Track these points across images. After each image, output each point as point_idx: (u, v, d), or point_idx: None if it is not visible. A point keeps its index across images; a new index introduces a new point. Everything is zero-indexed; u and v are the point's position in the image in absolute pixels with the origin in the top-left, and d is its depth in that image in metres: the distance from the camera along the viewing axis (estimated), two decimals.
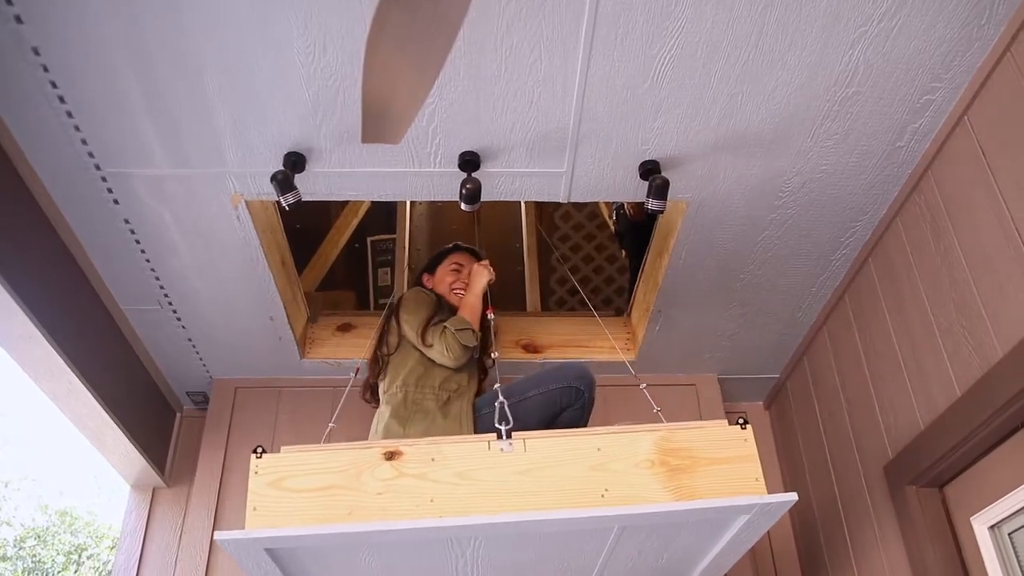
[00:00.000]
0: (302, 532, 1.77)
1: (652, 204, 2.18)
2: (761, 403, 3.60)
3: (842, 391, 2.88)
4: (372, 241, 4.46)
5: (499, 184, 2.32)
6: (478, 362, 2.69)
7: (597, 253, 4.59)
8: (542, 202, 4.25)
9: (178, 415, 3.41)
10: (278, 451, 3.06)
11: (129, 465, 3.09)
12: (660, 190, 2.17)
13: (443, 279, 2.86)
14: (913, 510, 2.43)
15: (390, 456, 1.87)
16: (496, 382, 2.22)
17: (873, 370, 2.66)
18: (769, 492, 3.28)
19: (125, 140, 2.14)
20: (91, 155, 2.19)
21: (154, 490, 3.27)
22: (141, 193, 2.33)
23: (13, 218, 2.23)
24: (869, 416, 2.68)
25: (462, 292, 2.77)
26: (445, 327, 2.48)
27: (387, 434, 2.34)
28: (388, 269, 4.35)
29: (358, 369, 2.66)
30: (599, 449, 1.89)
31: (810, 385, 3.14)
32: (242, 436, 3.19)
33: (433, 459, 1.87)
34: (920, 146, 2.27)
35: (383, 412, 2.48)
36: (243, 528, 1.77)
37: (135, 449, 2.96)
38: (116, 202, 2.36)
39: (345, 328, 3.26)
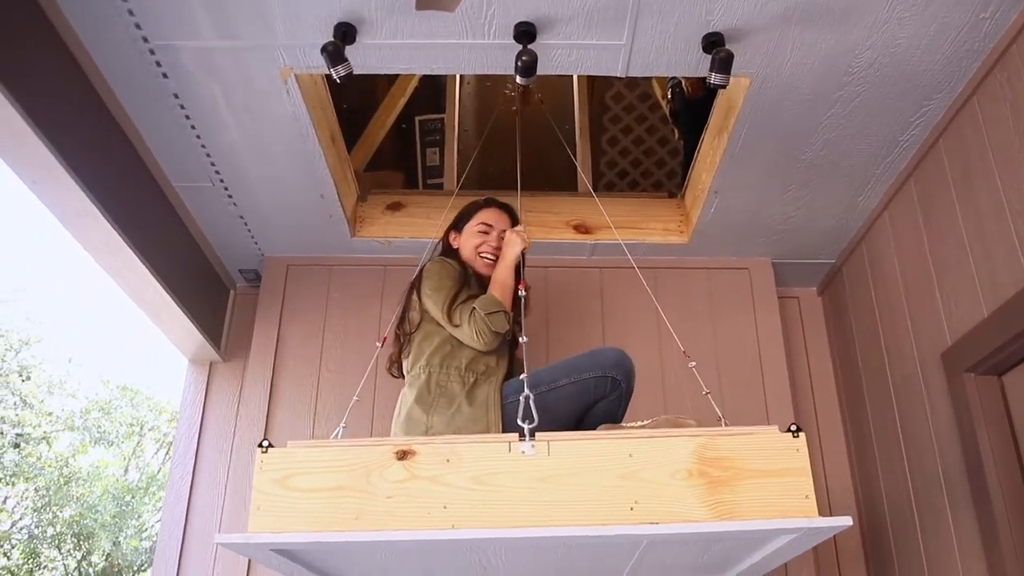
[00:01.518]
0: (307, 539, 1.69)
1: (714, 79, 2.08)
2: (814, 289, 3.54)
3: (901, 277, 2.81)
4: (420, 121, 4.39)
5: (555, 57, 2.23)
6: (509, 341, 2.41)
7: (648, 135, 4.47)
8: (593, 82, 4.18)
9: (232, 292, 3.47)
10: (326, 338, 3.16)
11: (186, 340, 3.17)
12: (724, 64, 2.07)
13: (468, 240, 2.56)
14: (970, 397, 2.40)
15: (402, 455, 1.72)
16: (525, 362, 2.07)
17: (936, 256, 2.58)
18: (817, 374, 3.32)
19: (172, 11, 2.09)
20: (138, 27, 2.14)
21: (211, 364, 3.36)
22: (190, 67, 2.29)
23: (65, 96, 2.21)
24: (929, 303, 2.62)
25: (489, 257, 2.50)
26: (474, 309, 2.23)
27: (409, 422, 2.21)
28: (436, 149, 4.29)
29: (384, 338, 2.43)
30: (631, 455, 1.70)
31: (867, 271, 3.07)
32: (295, 313, 3.24)
33: (448, 460, 1.71)
34: (1007, 17, 2.12)
35: (406, 396, 2.31)
36: (257, 515, 1.69)
37: (191, 324, 3.03)
38: (165, 76, 2.32)
39: (395, 207, 3.25)
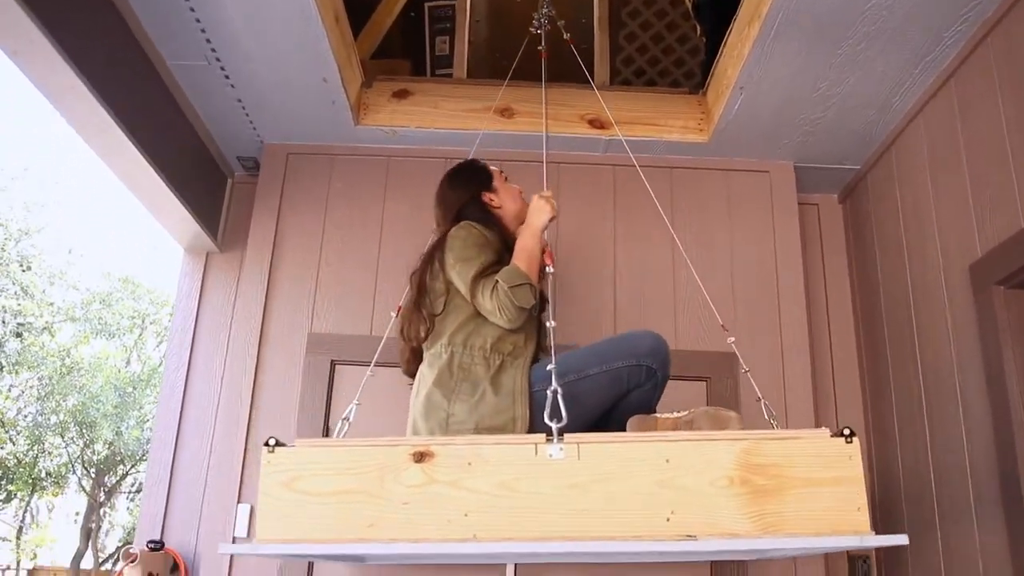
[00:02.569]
0: (317, 550, 1.59)
1: None
2: (835, 196, 3.40)
3: (932, 185, 2.67)
4: (430, 7, 4.17)
5: None
6: (537, 317, 2.20)
7: (668, 32, 4.25)
8: None
9: (229, 180, 3.33)
10: (327, 230, 3.04)
11: (182, 228, 3.05)
12: None
13: (512, 193, 2.35)
14: (998, 310, 2.29)
15: (420, 457, 1.59)
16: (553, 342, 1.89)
17: (973, 163, 2.44)
18: (832, 284, 3.22)
19: None
20: None
21: (208, 255, 3.25)
22: None
23: None
24: (961, 212, 2.49)
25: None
26: (497, 282, 2.01)
27: (429, 406, 2.02)
28: (446, 38, 4.09)
29: (399, 308, 2.23)
30: (668, 460, 1.56)
31: (895, 177, 2.93)
32: (294, 204, 3.11)
33: (470, 463, 1.58)
34: None
35: (425, 375, 2.11)
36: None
37: (187, 212, 2.91)
38: None
39: (402, 95, 3.08)
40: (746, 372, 2.08)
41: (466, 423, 1.95)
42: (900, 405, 2.83)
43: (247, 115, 2.98)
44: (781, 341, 2.96)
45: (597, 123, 3.03)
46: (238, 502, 2.74)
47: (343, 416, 1.93)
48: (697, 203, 3.13)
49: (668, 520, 1.53)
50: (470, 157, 2.59)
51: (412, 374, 2.25)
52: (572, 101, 3.06)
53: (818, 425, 2.90)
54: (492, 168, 2.40)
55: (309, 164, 3.16)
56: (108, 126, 2.42)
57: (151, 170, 2.65)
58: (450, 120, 3.06)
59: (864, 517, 1.53)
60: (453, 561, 1.57)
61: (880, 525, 2.85)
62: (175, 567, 2.82)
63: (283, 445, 1.65)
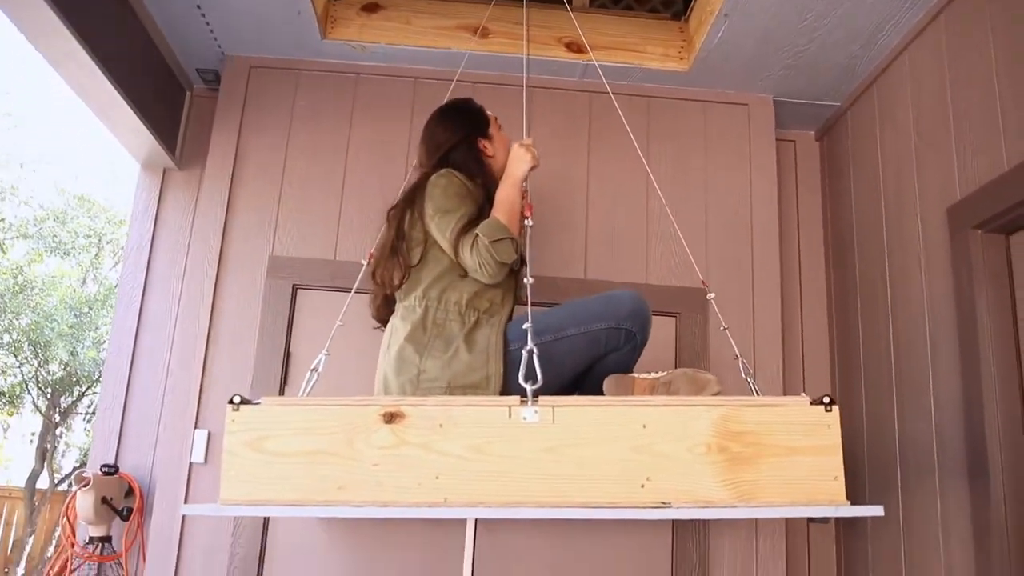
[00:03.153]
0: (284, 512, 1.54)
1: None
2: (813, 133, 3.34)
3: (914, 124, 2.61)
4: None
5: None
6: (516, 273, 2.11)
7: None
8: None
9: (188, 93, 3.17)
10: (290, 151, 2.91)
11: (136, 142, 2.90)
12: None
13: (505, 144, 2.24)
14: (974, 255, 2.26)
15: (390, 418, 1.55)
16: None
17: (958, 103, 2.38)
18: (805, 223, 3.18)
19: None
20: None
21: (165, 171, 3.11)
22: None
23: None
24: (942, 153, 2.44)
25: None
26: (477, 236, 1.92)
27: (400, 361, 1.93)
28: None
29: (371, 256, 2.12)
30: (644, 426, 1.54)
31: (875, 116, 2.87)
32: (257, 121, 2.97)
33: (441, 425, 1.55)
34: None
35: (397, 327, 2.02)
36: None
37: (142, 124, 2.76)
38: None
39: (371, 8, 2.93)
40: (724, 330, 2.04)
41: (438, 380, 1.88)
42: (868, 350, 2.83)
43: (207, 23, 2.81)
44: (752, 279, 2.93)
45: (574, 47, 2.91)
46: (195, 427, 2.67)
47: (312, 367, 1.86)
48: (674, 135, 3.05)
49: (643, 487, 1.52)
50: (455, 80, 2.48)
51: (382, 320, 2.17)
52: (549, 23, 2.93)
53: (785, 371, 2.89)
54: (489, 113, 2.28)
55: (273, 79, 3.01)
56: (57, 30, 2.26)
57: (104, 78, 2.50)
58: (422, 37, 2.92)
59: (840, 486, 1.53)
60: (417, 516, 1.52)
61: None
62: (129, 492, 2.76)
63: (249, 403, 1.59)
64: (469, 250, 1.92)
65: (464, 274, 2.00)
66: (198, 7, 2.72)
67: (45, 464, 9.03)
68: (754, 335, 2.86)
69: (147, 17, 2.75)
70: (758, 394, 1.86)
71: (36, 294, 8.82)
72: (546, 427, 1.55)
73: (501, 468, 1.53)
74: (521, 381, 1.58)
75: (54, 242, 9.08)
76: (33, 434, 10.16)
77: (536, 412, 1.55)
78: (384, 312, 2.16)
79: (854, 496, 2.76)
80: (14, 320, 8.68)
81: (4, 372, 8.95)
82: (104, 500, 2.63)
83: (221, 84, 3.01)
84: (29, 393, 9.31)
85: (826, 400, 1.58)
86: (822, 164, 3.30)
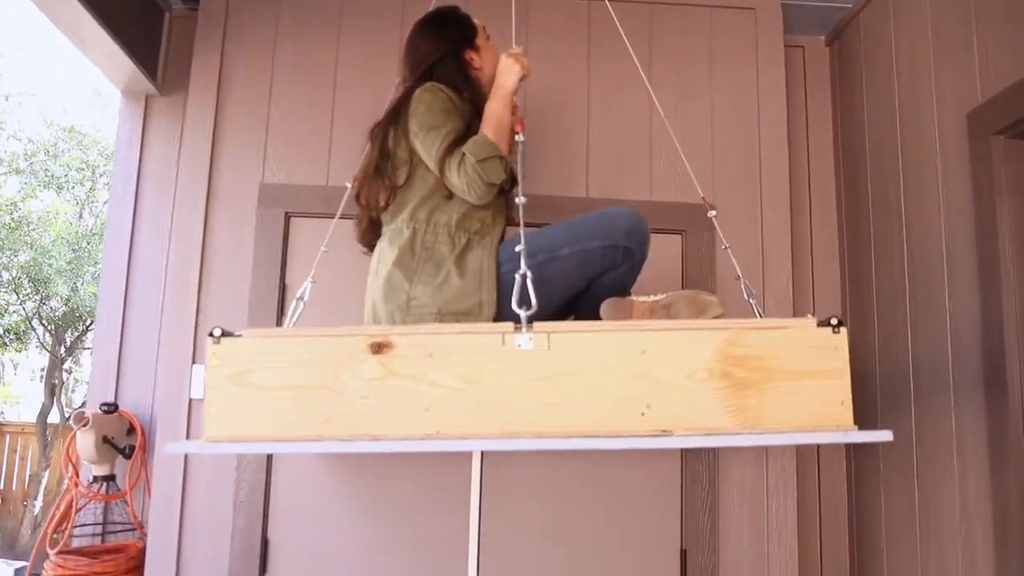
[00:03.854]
0: (268, 449, 1.48)
1: None
2: (822, 38, 3.18)
3: (931, 25, 2.47)
4: None
5: None
6: (507, 192, 2.01)
7: None
8: None
9: (167, 15, 3.01)
10: (276, 71, 2.77)
11: (115, 67, 2.77)
12: None
13: (494, 54, 2.11)
14: (995, 162, 2.15)
15: (378, 348, 1.48)
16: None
17: (983, 1, 2.23)
18: (815, 133, 3.05)
19: None
20: None
21: (147, 98, 2.98)
22: None
23: None
24: (962, 57, 2.30)
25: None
26: (464, 155, 1.83)
27: (388, 287, 1.86)
28: None
29: (355, 179, 2.02)
30: (644, 352, 1.47)
31: (890, 17, 2.71)
32: (240, 40, 2.82)
33: (431, 354, 1.48)
34: None
35: (385, 252, 1.94)
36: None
37: (118, 48, 2.63)
38: None
39: None
40: (726, 248, 1.96)
41: (429, 307, 1.81)
42: (880, 265, 2.74)
43: None
44: (760, 194, 2.82)
45: None
46: (192, 363, 2.61)
47: (297, 295, 1.78)
48: (677, 43, 2.90)
49: (643, 415, 1.47)
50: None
51: (368, 244, 2.09)
52: None
53: (795, 289, 2.81)
54: (477, 22, 2.14)
55: None
56: None
57: (75, 1, 2.36)
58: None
59: (847, 412, 1.48)
60: (407, 450, 1.47)
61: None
62: (131, 429, 2.72)
63: (230, 335, 1.51)
64: (456, 170, 1.83)
65: (452, 194, 1.91)
66: None
67: (55, 400, 9.09)
68: (763, 252, 2.78)
69: None
70: (761, 316, 1.79)
71: (32, 230, 8.72)
72: (541, 355, 1.49)
73: (495, 398, 1.47)
74: (514, 307, 1.51)
75: (47, 176, 8.94)
76: (42, 370, 10.22)
77: (531, 339, 1.49)
78: (370, 236, 2.08)
79: (865, 418, 2.73)
80: (12, 257, 8.62)
81: (6, 310, 8.94)
82: (105, 439, 2.59)
83: (200, 3, 2.85)
84: (34, 330, 9.31)
85: (833, 321, 1.52)
86: (832, 70, 3.15)
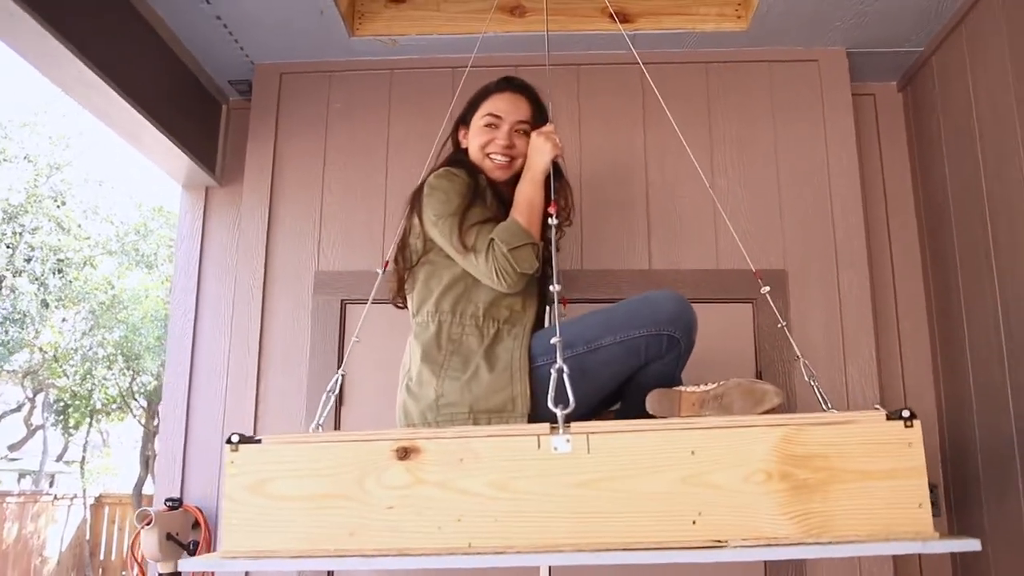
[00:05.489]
0: (291, 566, 1.39)
1: None
2: (894, 84, 3.01)
3: (1011, 64, 2.29)
4: None
5: None
6: (538, 280, 1.91)
7: None
8: None
9: (224, 107, 3.06)
10: (328, 155, 2.76)
11: (173, 164, 2.81)
12: None
13: (475, 139, 1.98)
14: None
15: (404, 454, 1.39)
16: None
17: None
18: (892, 185, 2.87)
19: None
20: None
21: (207, 189, 3.01)
22: None
23: None
24: None
25: (499, 159, 1.93)
26: (493, 242, 1.74)
27: (418, 384, 1.77)
28: None
29: (387, 264, 1.94)
30: (693, 452, 1.35)
31: (965, 59, 2.54)
32: (292, 129, 2.84)
33: (462, 459, 1.38)
34: None
35: (413, 348, 1.85)
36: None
37: (175, 146, 2.66)
38: None
39: None
40: (782, 326, 1.83)
41: (459, 405, 1.70)
42: (974, 327, 2.52)
43: (231, 34, 2.68)
44: (836, 255, 2.65)
45: (620, 16, 2.67)
46: None
47: (328, 388, 1.71)
48: (737, 101, 2.78)
49: (694, 523, 1.33)
50: (469, 66, 2.28)
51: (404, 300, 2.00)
52: None
53: (880, 358, 2.61)
54: (486, 103, 2.01)
55: (304, 84, 2.87)
56: (66, 59, 2.16)
57: (127, 105, 2.41)
58: (455, 24, 2.73)
59: (926, 515, 1.31)
60: (438, 566, 1.36)
61: (952, 498, 2.58)
62: (196, 524, 2.69)
63: (249, 441, 1.44)
64: (485, 258, 1.74)
65: (476, 280, 1.82)
66: (218, 18, 2.59)
67: (148, 471, 9.34)
68: (842, 319, 2.59)
69: (170, 35, 2.64)
70: (824, 400, 1.64)
71: (124, 308, 9.08)
72: (580, 458, 1.37)
73: (531, 507, 1.36)
74: (550, 405, 1.39)
75: (137, 255, 9.32)
76: (136, 441, 10.54)
77: (568, 441, 1.37)
78: (405, 304, 2.00)
79: (967, 500, 2.49)
80: (107, 335, 8.97)
81: (102, 386, 9.29)
82: (169, 536, 2.56)
83: (252, 94, 2.89)
84: (136, 400, 9.63)
85: (905, 414, 1.35)
86: (907, 117, 2.97)
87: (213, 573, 2.59)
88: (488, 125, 1.97)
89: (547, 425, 1.39)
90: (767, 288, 1.87)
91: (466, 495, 1.38)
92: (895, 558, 2.47)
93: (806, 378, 1.69)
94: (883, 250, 2.85)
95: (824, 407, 1.63)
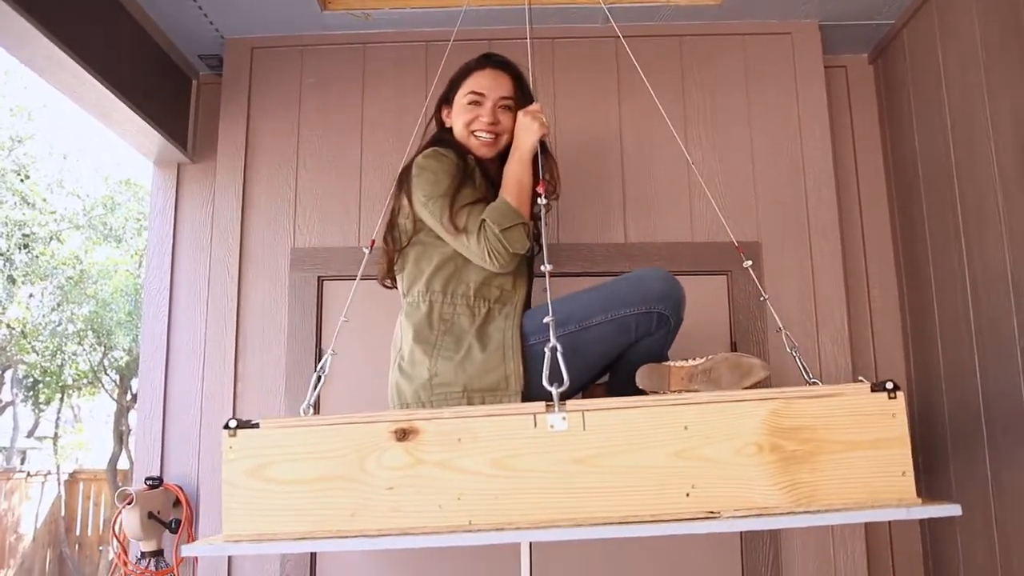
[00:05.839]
0: (293, 548, 1.42)
1: None
2: (866, 56, 3.03)
3: (982, 41, 2.32)
4: None
5: None
6: (527, 259, 1.94)
7: None
8: None
9: (195, 82, 3.01)
10: (302, 132, 2.74)
11: (144, 140, 2.76)
12: None
13: (459, 117, 1.99)
14: None
15: (403, 435, 1.42)
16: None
17: None
18: (863, 157, 2.90)
19: None
20: None
21: (179, 166, 2.97)
22: None
23: None
24: (1018, 76, 2.15)
25: (484, 135, 1.94)
26: (484, 223, 1.75)
27: (411, 364, 1.79)
28: None
29: (372, 243, 1.94)
30: (686, 427, 1.40)
31: (935, 33, 2.57)
32: (265, 104, 2.81)
33: (460, 439, 1.42)
34: None
35: (404, 326, 1.86)
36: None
37: (145, 122, 2.62)
38: None
39: None
40: (764, 300, 1.88)
41: (452, 385, 1.73)
42: (942, 295, 2.57)
43: (200, 7, 2.64)
44: (808, 226, 2.69)
45: None
46: None
47: (317, 368, 1.72)
48: (711, 75, 2.79)
49: (688, 496, 1.38)
50: (452, 39, 2.27)
51: (392, 280, 2.01)
52: None
53: (851, 324, 2.66)
54: (468, 80, 2.01)
55: (276, 59, 2.84)
56: (34, 37, 2.11)
57: (95, 81, 2.35)
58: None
59: (909, 482, 1.38)
60: (439, 544, 1.39)
61: (920, 464, 2.64)
62: (177, 502, 2.70)
63: (246, 426, 1.45)
64: (476, 239, 1.75)
65: (467, 260, 1.83)
66: None
67: (123, 446, 9.28)
68: (814, 287, 2.64)
69: (137, 10, 2.59)
70: (806, 370, 1.69)
71: (94, 283, 8.94)
72: (576, 435, 1.41)
73: (527, 484, 1.40)
74: (545, 384, 1.43)
75: (105, 230, 9.17)
76: (108, 415, 10.46)
77: (564, 419, 1.42)
78: (394, 283, 2.01)
79: (935, 468, 2.56)
80: (76, 311, 8.85)
81: (74, 361, 9.19)
82: (151, 515, 2.56)
83: (223, 69, 2.85)
84: (108, 375, 9.54)
85: (889, 386, 1.42)
86: (878, 89, 3.00)
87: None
88: (472, 103, 1.97)
89: (543, 404, 1.43)
90: (749, 262, 1.91)
91: (465, 474, 1.41)
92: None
93: (788, 349, 1.74)
94: (854, 221, 2.89)
95: (806, 377, 1.67)
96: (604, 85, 2.78)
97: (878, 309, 2.85)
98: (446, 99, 2.05)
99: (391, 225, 1.94)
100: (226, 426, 1.46)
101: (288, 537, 1.42)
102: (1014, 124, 2.16)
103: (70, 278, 9.10)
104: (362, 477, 1.42)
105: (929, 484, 2.62)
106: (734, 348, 2.59)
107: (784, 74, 2.79)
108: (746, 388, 1.58)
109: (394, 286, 2.00)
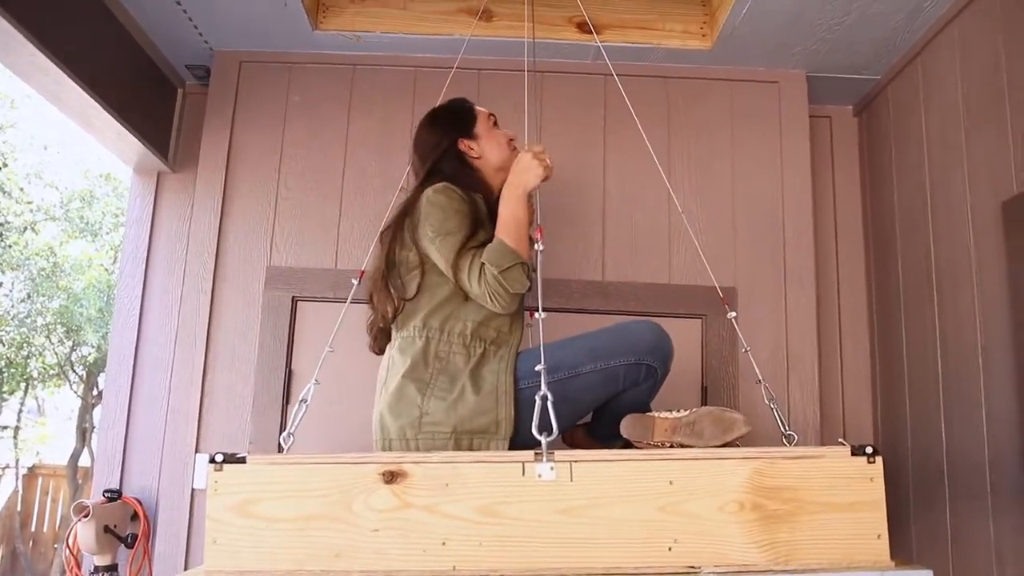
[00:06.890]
0: None
1: None
2: (850, 108, 3.07)
3: (963, 103, 2.35)
4: None
5: None
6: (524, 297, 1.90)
7: None
8: None
9: (180, 91, 2.99)
10: (285, 149, 2.72)
11: (124, 147, 2.73)
12: None
13: (492, 138, 1.99)
14: None
15: (391, 477, 1.42)
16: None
17: (1015, 81, 2.12)
18: (842, 207, 2.92)
19: None
20: None
21: (159, 175, 2.94)
22: None
23: None
24: (996, 139, 2.18)
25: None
26: (484, 266, 1.72)
27: (401, 399, 1.74)
28: None
29: (362, 273, 1.93)
30: (671, 483, 1.42)
31: (919, 91, 2.60)
32: (249, 118, 2.79)
33: (447, 484, 1.42)
34: None
35: (395, 360, 1.82)
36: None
37: (126, 129, 2.59)
38: None
39: None
40: (746, 351, 1.87)
41: (442, 425, 1.70)
42: (912, 353, 2.60)
43: (190, 19, 2.62)
44: (785, 271, 2.70)
45: (586, 27, 2.67)
46: (196, 451, 2.55)
47: (300, 397, 1.70)
48: (697, 118, 2.81)
49: (670, 550, 1.40)
50: (454, 68, 2.28)
51: (381, 351, 1.97)
52: (559, 1, 2.69)
53: (822, 374, 2.68)
54: (479, 109, 2.04)
55: (264, 74, 2.82)
56: (17, 40, 2.09)
57: (75, 86, 2.33)
58: (421, 24, 2.70)
59: (884, 546, 1.40)
60: None
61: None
62: (134, 516, 2.66)
63: (233, 460, 1.44)
64: (477, 280, 1.73)
65: (467, 298, 1.81)
66: (178, 3, 2.53)
67: (85, 444, 9.14)
68: (787, 334, 2.66)
69: (127, 18, 2.57)
70: (783, 422, 1.70)
71: (66, 276, 8.83)
72: (563, 485, 1.43)
73: (515, 532, 1.41)
74: (535, 432, 1.44)
75: (82, 223, 9.06)
76: (72, 410, 10.29)
77: (552, 468, 1.43)
78: (383, 343, 1.96)
79: (898, 516, 2.57)
80: (47, 303, 8.73)
81: (40, 355, 9.05)
82: (107, 528, 2.52)
83: (210, 81, 2.83)
84: (75, 371, 9.39)
85: (868, 450, 1.45)
86: (860, 142, 3.03)
87: (149, 570, 2.57)
88: (495, 125, 2.03)
89: (532, 453, 1.43)
90: (733, 314, 1.93)
91: (451, 519, 1.41)
92: None
93: (766, 400, 1.75)
94: (830, 271, 2.92)
95: (782, 429, 1.68)
96: (591, 122, 2.79)
97: (849, 360, 2.87)
98: (464, 134, 1.99)
99: (390, 263, 1.88)
100: (212, 459, 1.45)
101: (271, 575, 1.41)
102: (991, 185, 2.19)
103: (42, 270, 8.97)
104: (348, 517, 1.42)
105: (891, 538, 2.64)
106: (705, 392, 2.60)
107: (769, 121, 2.82)
108: (727, 442, 1.60)
109: (382, 351, 1.95)
